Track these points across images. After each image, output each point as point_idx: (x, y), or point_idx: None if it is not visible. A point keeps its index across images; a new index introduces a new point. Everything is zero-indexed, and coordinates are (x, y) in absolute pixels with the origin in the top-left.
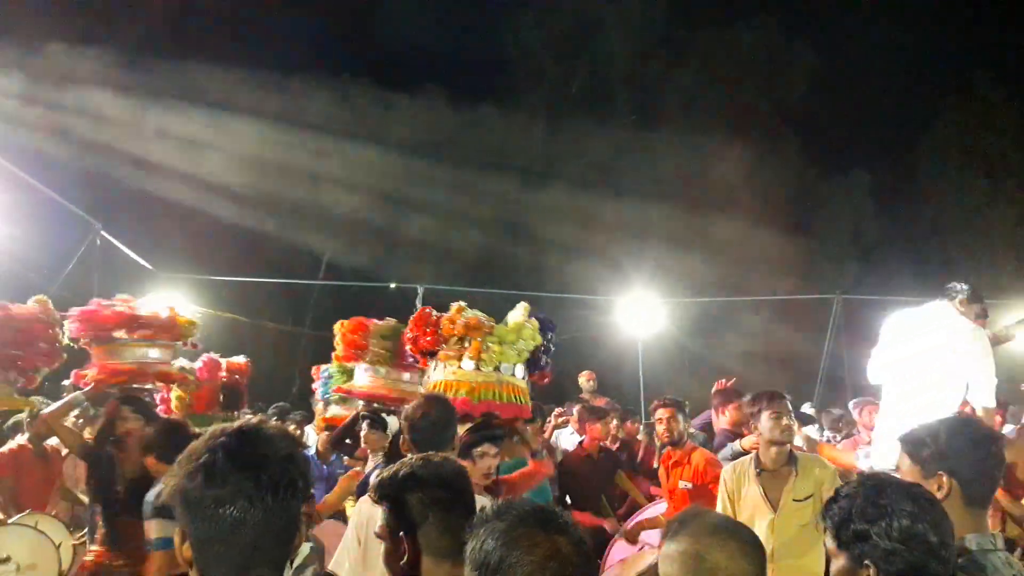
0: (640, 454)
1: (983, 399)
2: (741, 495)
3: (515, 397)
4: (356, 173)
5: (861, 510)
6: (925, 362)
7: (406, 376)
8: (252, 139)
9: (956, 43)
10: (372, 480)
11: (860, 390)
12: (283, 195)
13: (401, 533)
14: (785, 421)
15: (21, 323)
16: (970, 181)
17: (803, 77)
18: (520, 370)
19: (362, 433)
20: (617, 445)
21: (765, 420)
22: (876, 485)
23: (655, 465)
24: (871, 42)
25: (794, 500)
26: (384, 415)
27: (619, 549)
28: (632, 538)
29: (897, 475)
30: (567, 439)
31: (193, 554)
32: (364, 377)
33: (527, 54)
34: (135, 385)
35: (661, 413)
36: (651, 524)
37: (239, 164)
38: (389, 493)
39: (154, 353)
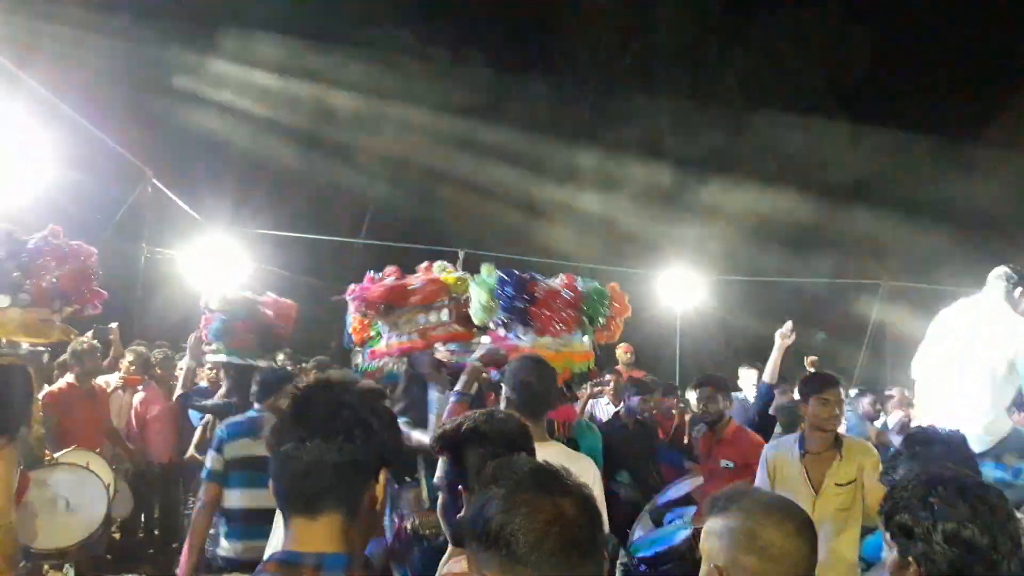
0: (673, 429)
1: None
2: (783, 475)
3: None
4: (402, 135)
5: (908, 505)
6: (972, 364)
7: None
8: (300, 98)
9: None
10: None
11: (899, 379)
12: (328, 154)
13: (460, 487)
14: (832, 409)
15: (78, 260)
16: None
17: (860, 55)
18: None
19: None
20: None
21: (813, 404)
22: (930, 480)
23: (687, 441)
24: (933, 20)
25: (836, 484)
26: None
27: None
28: (659, 518)
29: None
30: (601, 409)
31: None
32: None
33: (581, 22)
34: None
35: (701, 392)
36: (678, 504)
37: (286, 122)
38: (450, 445)
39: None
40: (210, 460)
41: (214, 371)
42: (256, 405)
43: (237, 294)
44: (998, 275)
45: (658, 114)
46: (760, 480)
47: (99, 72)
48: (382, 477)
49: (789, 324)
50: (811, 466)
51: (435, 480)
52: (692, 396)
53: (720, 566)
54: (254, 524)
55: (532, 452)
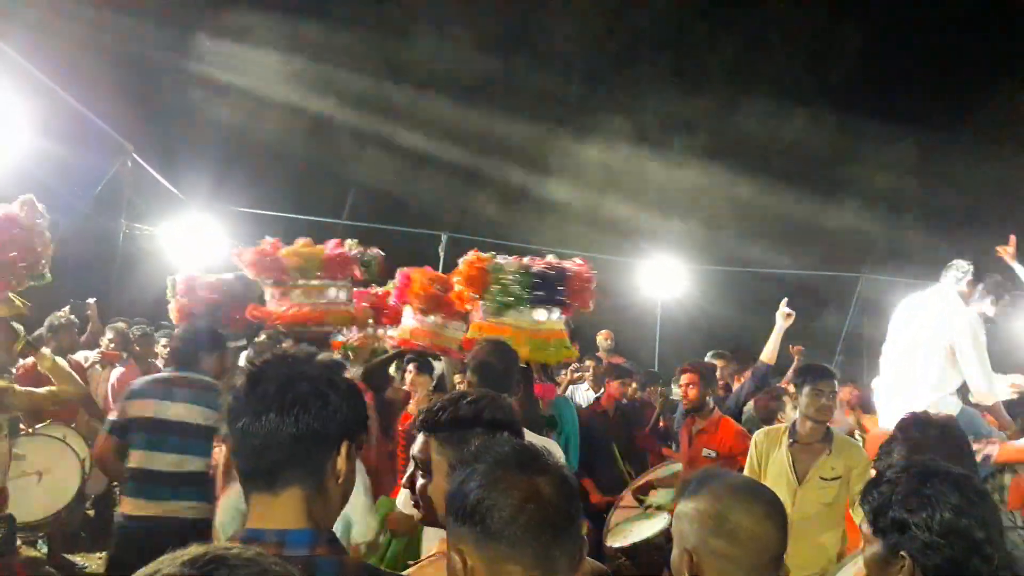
0: (653, 416)
1: (981, 391)
2: (769, 460)
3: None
4: (386, 115)
5: (903, 498)
6: (920, 348)
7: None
8: (283, 76)
9: (1009, 18)
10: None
11: (878, 370)
12: (312, 134)
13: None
14: (824, 401)
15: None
16: (1016, 165)
17: (846, 48)
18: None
19: (408, 376)
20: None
21: (805, 395)
22: (922, 472)
23: (665, 428)
24: (919, 16)
25: (821, 478)
26: (431, 359)
27: (628, 501)
28: (640, 494)
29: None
30: (582, 395)
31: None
32: (411, 322)
33: (567, 5)
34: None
35: (685, 378)
36: (661, 483)
37: (270, 101)
38: (444, 425)
39: (332, 293)
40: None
41: None
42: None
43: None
44: (951, 267)
45: (642, 101)
46: (748, 465)
47: (79, 43)
48: (343, 449)
49: (785, 303)
50: (798, 456)
51: (414, 453)
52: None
53: (689, 549)
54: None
55: (521, 436)
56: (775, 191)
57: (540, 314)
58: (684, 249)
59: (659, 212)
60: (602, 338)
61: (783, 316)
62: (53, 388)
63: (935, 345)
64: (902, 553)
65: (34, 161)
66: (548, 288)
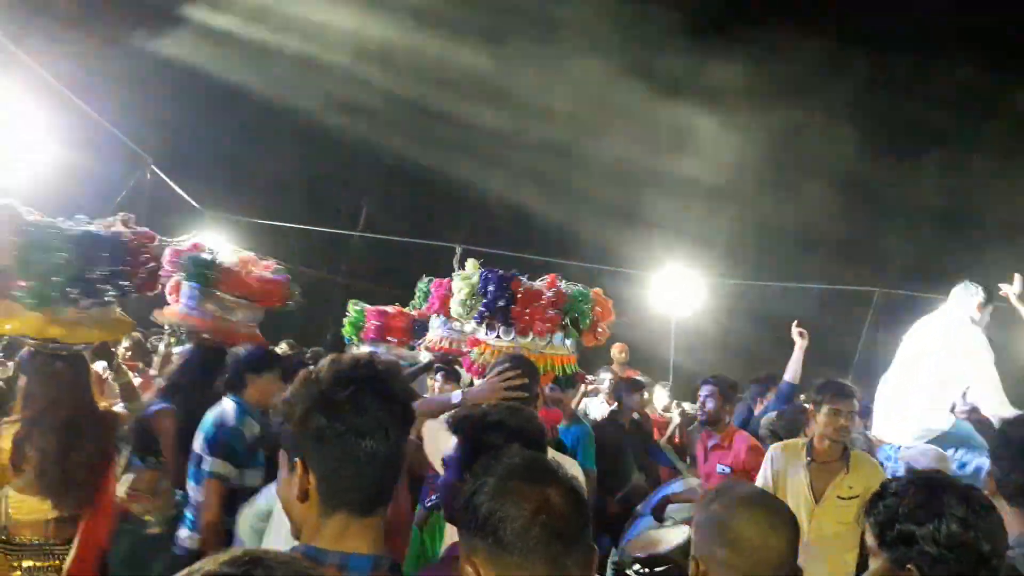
0: (669, 431)
1: (991, 407)
2: (786, 478)
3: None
4: (399, 126)
5: (909, 511)
6: (919, 364)
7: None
8: (299, 89)
9: None
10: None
11: None
12: (327, 146)
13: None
14: (842, 421)
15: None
16: None
17: (861, 61)
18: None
19: (436, 384)
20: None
21: (823, 414)
22: (928, 485)
23: (677, 442)
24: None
25: (839, 497)
26: (456, 367)
27: (644, 523)
28: (658, 514)
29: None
30: (596, 408)
31: (319, 485)
32: (441, 331)
33: (578, 14)
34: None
35: (705, 390)
36: (678, 499)
37: (286, 112)
38: (470, 431)
39: (242, 315)
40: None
41: None
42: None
43: None
44: (962, 287)
45: (658, 110)
46: (761, 479)
47: (101, 57)
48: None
49: (796, 324)
50: (815, 475)
51: (443, 458)
52: (660, 392)
53: (698, 557)
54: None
55: (545, 451)
56: (795, 205)
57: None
58: (699, 262)
59: (675, 225)
60: (616, 351)
61: (800, 335)
62: (130, 407)
63: (936, 361)
64: (909, 566)
65: (57, 172)
66: (495, 306)
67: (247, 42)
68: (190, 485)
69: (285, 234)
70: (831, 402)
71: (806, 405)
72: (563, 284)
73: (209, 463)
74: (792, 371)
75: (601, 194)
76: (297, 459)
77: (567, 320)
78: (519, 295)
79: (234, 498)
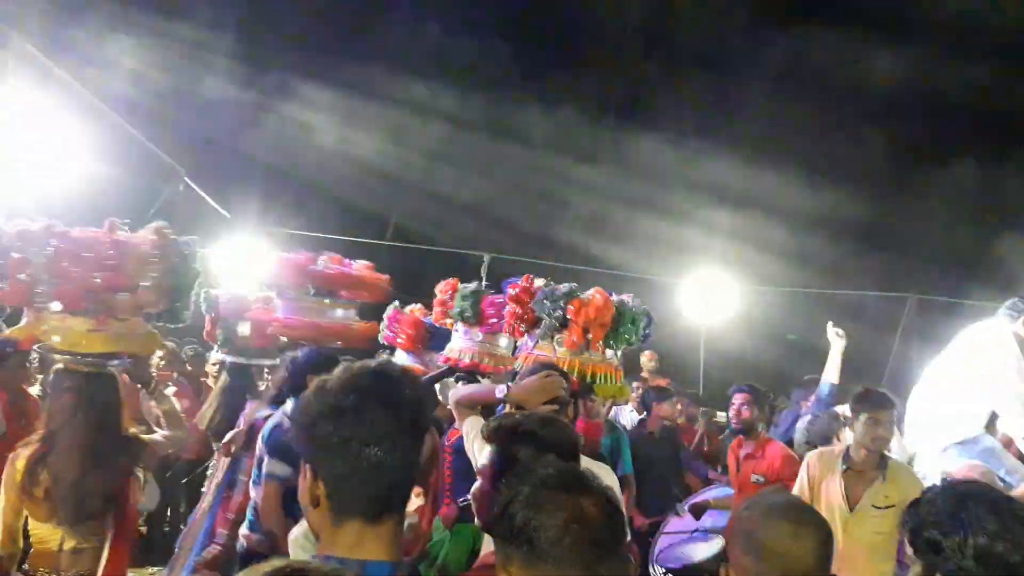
0: (697, 439)
1: (1016, 428)
2: (822, 486)
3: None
4: (425, 138)
5: (937, 519)
6: (956, 378)
7: (502, 342)
8: (328, 101)
9: None
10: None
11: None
12: (355, 156)
13: (503, 480)
14: (881, 432)
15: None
16: None
17: (895, 66)
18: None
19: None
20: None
21: (861, 423)
22: (960, 494)
23: (710, 452)
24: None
25: (874, 506)
26: (479, 377)
27: (674, 524)
28: (697, 512)
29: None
30: (625, 416)
31: (327, 492)
32: (462, 342)
33: (602, 25)
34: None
35: (736, 399)
36: (717, 504)
37: (315, 125)
38: (504, 441)
39: (340, 313)
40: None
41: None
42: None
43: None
44: (1009, 305)
45: (686, 117)
46: (799, 486)
47: (135, 71)
48: None
49: (831, 325)
50: (850, 482)
51: (478, 466)
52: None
53: (727, 566)
54: None
55: (579, 462)
56: (818, 210)
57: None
58: (730, 269)
59: (705, 231)
60: (646, 359)
61: (835, 336)
62: (170, 435)
63: (970, 376)
64: (938, 575)
65: (89, 185)
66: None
67: (277, 60)
68: (253, 487)
69: (313, 244)
70: (870, 411)
71: (838, 411)
72: (615, 297)
73: (267, 464)
74: (830, 372)
75: (628, 201)
76: (307, 465)
77: (622, 332)
78: (576, 308)
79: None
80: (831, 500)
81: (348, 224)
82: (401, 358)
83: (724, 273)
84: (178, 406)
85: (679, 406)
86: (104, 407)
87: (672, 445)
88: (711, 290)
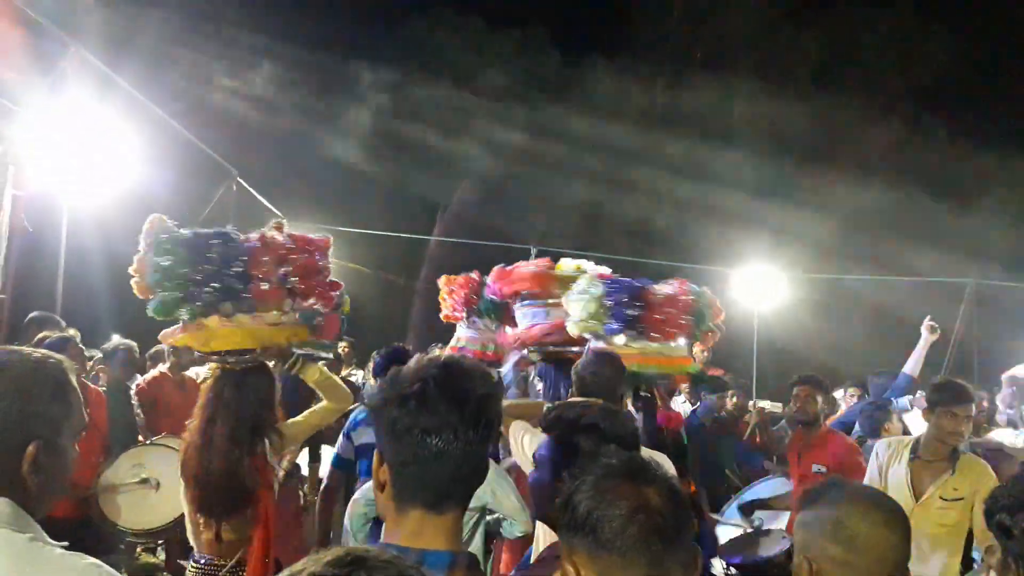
0: (750, 430)
1: None
2: (889, 475)
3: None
4: (472, 126)
5: (1008, 503)
6: None
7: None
8: (375, 97)
9: None
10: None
11: (989, 379)
12: (403, 151)
13: (564, 472)
14: (956, 426)
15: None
16: None
17: (950, 47)
18: None
19: None
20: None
21: (937, 415)
22: None
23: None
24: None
25: (941, 498)
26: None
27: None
28: (748, 510)
29: None
30: (678, 408)
31: (391, 477)
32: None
33: (652, 8)
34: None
35: (798, 390)
36: (778, 505)
37: (362, 123)
38: (564, 431)
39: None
40: (339, 446)
41: None
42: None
43: None
44: None
45: (736, 105)
46: (869, 475)
47: (188, 78)
48: None
49: (929, 319)
50: (917, 473)
51: (536, 456)
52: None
53: (809, 557)
54: None
55: (637, 450)
56: (882, 195)
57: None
58: (783, 257)
59: (756, 219)
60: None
61: (928, 329)
62: (323, 407)
63: None
64: (1009, 558)
65: (148, 186)
66: (616, 309)
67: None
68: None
69: (364, 240)
70: (948, 404)
71: (906, 400)
72: (689, 287)
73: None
74: (912, 364)
75: (677, 190)
76: (376, 450)
77: (695, 324)
78: (651, 302)
79: None
80: (897, 489)
81: (396, 221)
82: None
83: (777, 261)
84: None
85: (734, 398)
86: (251, 401)
87: (726, 436)
88: (763, 279)
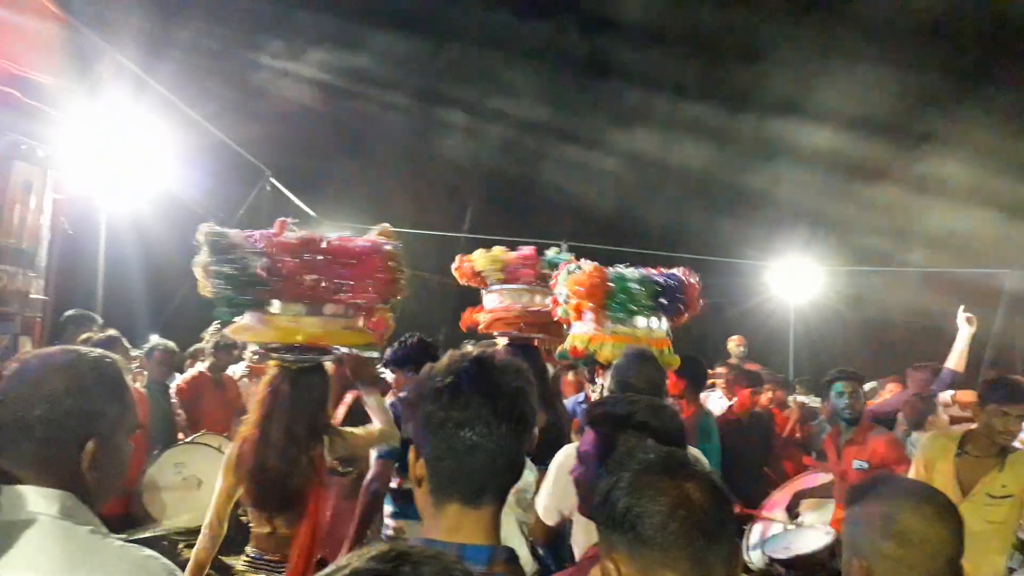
0: (790, 426)
1: None
2: (935, 470)
3: None
4: (500, 126)
5: None
6: None
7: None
8: (405, 96)
9: None
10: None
11: None
12: (432, 149)
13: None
14: (1010, 425)
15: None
16: None
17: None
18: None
19: None
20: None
21: (988, 413)
22: None
23: (802, 438)
24: None
25: (988, 495)
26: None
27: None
28: (792, 509)
29: None
30: (715, 403)
31: (427, 472)
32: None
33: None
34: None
35: (845, 386)
36: (815, 494)
37: (393, 124)
38: (607, 426)
39: (539, 299)
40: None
41: None
42: None
43: None
44: None
45: (769, 99)
46: (915, 469)
47: (223, 81)
48: None
49: (962, 310)
50: (964, 468)
51: (580, 450)
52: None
53: (860, 555)
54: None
55: (683, 447)
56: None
57: (646, 322)
58: (819, 250)
59: (791, 212)
60: (734, 344)
61: (965, 321)
62: (380, 431)
63: None
64: None
65: (183, 188)
66: (669, 297)
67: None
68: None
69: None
70: (1000, 403)
71: (940, 394)
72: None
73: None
74: (954, 359)
75: (712, 183)
76: (412, 445)
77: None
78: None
79: None
80: (943, 484)
81: (427, 218)
82: None
83: (813, 255)
84: None
85: (770, 393)
86: (304, 400)
87: (763, 431)
88: (799, 272)
